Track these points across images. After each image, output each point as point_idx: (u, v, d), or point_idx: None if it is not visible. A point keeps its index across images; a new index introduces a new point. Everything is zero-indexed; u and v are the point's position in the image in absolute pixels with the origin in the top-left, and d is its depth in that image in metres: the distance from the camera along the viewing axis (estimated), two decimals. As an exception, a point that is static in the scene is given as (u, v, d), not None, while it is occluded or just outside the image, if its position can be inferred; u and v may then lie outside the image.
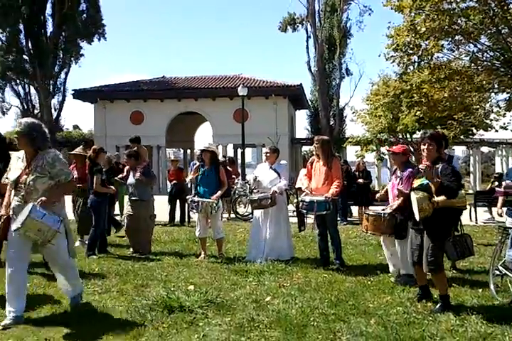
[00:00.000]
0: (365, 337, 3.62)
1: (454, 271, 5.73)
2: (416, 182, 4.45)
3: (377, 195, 5.67)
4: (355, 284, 5.17)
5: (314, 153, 6.45)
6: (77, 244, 7.66)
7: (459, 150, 35.24)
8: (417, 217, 4.21)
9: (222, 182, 6.66)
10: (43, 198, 3.85)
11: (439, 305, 4.27)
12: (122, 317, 4.12)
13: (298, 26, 31.02)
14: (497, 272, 4.66)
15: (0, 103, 34.25)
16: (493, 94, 15.36)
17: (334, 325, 3.86)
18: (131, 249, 7.18)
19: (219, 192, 6.53)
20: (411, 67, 15.18)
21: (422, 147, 4.42)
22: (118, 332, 3.74)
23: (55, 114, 29.74)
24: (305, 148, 30.36)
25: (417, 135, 19.34)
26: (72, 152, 7.96)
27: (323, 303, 4.42)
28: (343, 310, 4.22)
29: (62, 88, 29.65)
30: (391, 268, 5.51)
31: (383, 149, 20.00)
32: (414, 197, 4.22)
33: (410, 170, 5.15)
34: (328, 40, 30.37)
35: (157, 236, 8.53)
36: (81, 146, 8.06)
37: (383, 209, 5.48)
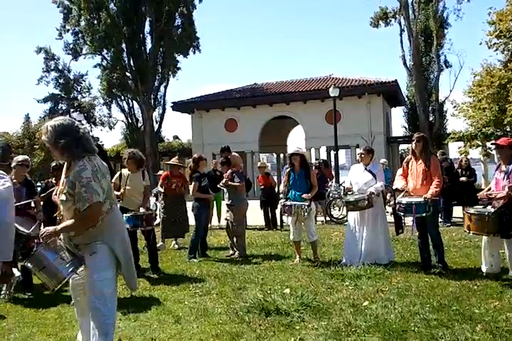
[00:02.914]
0: (471, 345, 3.40)
1: None
2: None
3: (480, 194, 5.33)
4: (460, 289, 4.87)
5: (410, 151, 6.20)
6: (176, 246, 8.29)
7: None
8: None
9: (313, 185, 6.64)
10: (46, 230, 3.03)
11: None
12: (221, 318, 4.26)
13: (390, 20, 29.96)
14: None
15: (107, 118, 37.39)
16: None
17: (436, 331, 3.67)
18: (230, 251, 7.45)
19: (310, 194, 6.51)
20: (517, 54, 14.04)
21: None
22: (218, 332, 3.88)
23: (156, 126, 31.56)
24: (402, 146, 29.21)
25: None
26: (169, 162, 8.43)
27: (424, 308, 4.22)
28: (446, 316, 4.01)
29: (162, 101, 31.40)
30: (485, 268, 5.33)
31: (489, 144, 18.65)
32: None
33: None
34: (423, 32, 28.99)
35: (253, 240, 8.72)
36: (176, 156, 8.63)
37: (485, 207, 5.27)
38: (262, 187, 11.10)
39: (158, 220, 8.33)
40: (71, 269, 3.08)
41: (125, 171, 6.41)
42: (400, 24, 28.93)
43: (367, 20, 30.47)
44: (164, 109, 31.54)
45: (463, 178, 10.68)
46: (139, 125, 31.40)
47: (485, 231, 5.08)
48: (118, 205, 3.38)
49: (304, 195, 6.45)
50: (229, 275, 5.96)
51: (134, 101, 31.31)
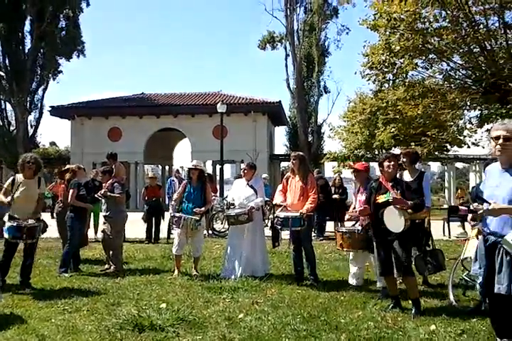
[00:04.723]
0: (336, 352, 3.61)
1: (425, 286, 5.77)
2: (381, 198, 4.57)
3: (347, 216, 5.81)
4: (328, 299, 5.17)
5: (289, 168, 6.52)
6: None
7: (434, 166, 35.89)
8: (401, 229, 4.36)
9: (207, 200, 6.69)
10: None
11: (413, 310, 4.50)
12: (91, 336, 4.02)
13: (277, 45, 31.56)
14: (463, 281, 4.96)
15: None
16: (465, 111, 15.79)
17: (305, 341, 3.84)
18: (106, 266, 7.10)
19: (203, 208, 6.54)
20: (386, 85, 15.49)
21: (387, 164, 4.65)
22: (86, 351, 3.67)
23: (31, 131, 29.34)
24: (284, 163, 30.52)
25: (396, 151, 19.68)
26: (70, 167, 7.80)
27: (295, 319, 4.40)
28: (314, 326, 4.21)
29: (39, 104, 29.33)
30: (354, 282, 5.75)
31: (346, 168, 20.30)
32: (395, 211, 4.37)
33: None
34: (306, 59, 30.91)
35: (131, 254, 8.43)
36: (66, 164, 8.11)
37: (353, 225, 5.75)
38: (154, 198, 10.81)
39: None
40: None
41: (19, 176, 5.85)
42: (285, 49, 30.60)
43: (255, 42, 31.76)
44: (41, 113, 29.47)
45: (335, 196, 11.46)
46: (12, 128, 28.89)
47: (356, 247, 5.50)
48: None
49: (196, 209, 6.44)
50: (102, 290, 5.68)
51: (6, 103, 28.81)
